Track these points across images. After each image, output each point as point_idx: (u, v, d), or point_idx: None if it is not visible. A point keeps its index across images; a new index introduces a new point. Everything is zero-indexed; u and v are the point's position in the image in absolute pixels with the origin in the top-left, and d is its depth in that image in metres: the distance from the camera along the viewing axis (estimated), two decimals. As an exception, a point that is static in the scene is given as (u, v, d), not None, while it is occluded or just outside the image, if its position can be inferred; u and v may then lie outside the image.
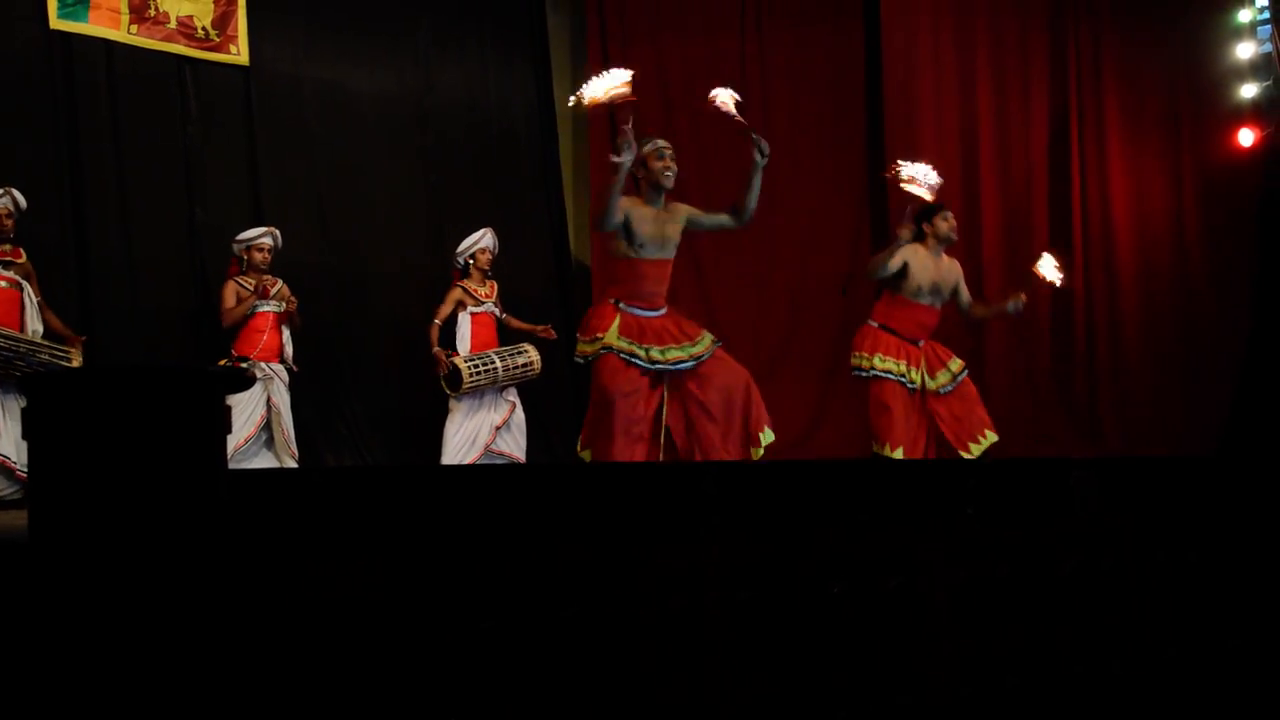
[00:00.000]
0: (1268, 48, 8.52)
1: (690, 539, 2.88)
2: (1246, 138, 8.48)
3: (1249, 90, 8.55)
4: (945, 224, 6.69)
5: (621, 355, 5.35)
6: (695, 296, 9.10)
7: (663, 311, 5.57)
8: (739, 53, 9.18)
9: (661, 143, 5.49)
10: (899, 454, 6.50)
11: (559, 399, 8.79)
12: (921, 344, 6.70)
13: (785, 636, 2.96)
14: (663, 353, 5.43)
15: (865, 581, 3.14)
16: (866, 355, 6.62)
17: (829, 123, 9.09)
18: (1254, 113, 8.51)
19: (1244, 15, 8.60)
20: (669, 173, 5.43)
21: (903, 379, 6.55)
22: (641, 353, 5.38)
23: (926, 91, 8.82)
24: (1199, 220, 8.71)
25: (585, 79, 9.13)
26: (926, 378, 6.63)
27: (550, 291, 9.02)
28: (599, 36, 9.16)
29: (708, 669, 2.82)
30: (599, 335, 5.38)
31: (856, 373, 6.71)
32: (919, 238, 6.69)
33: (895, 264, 6.55)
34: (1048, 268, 6.98)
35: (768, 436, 5.57)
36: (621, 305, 5.46)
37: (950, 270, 6.77)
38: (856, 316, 8.61)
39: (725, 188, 9.02)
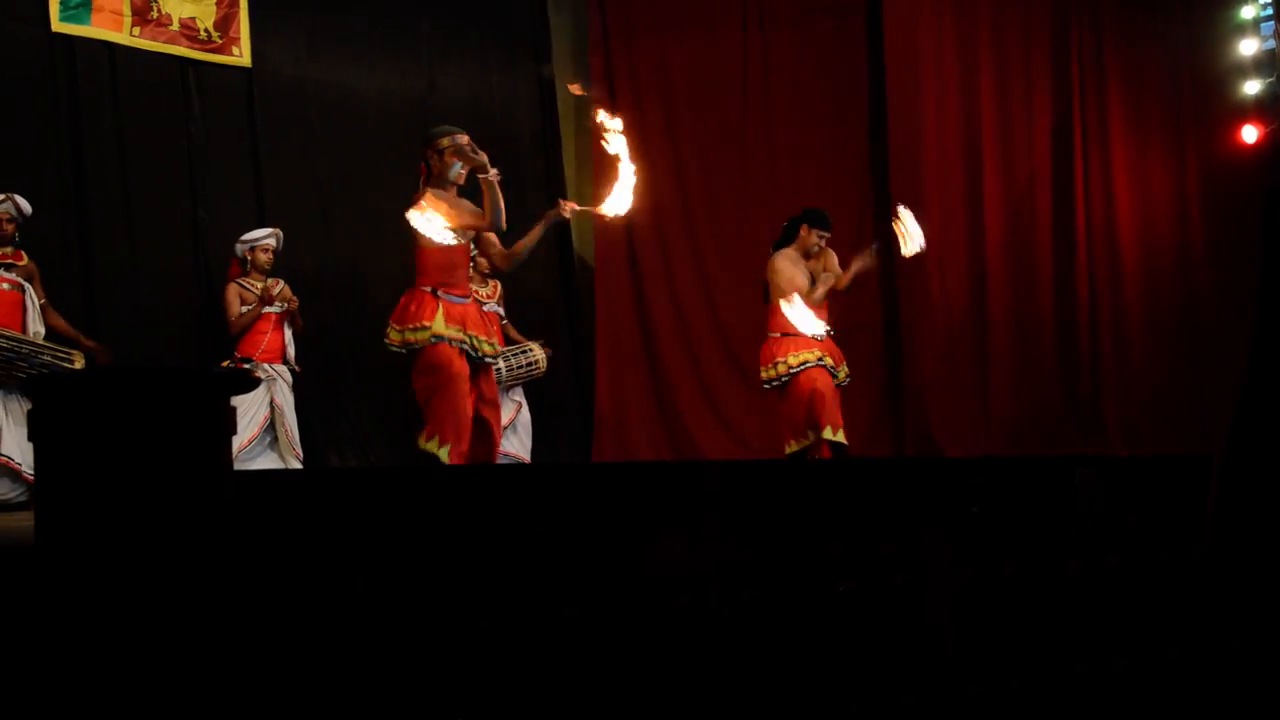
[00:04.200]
0: (1271, 44, 8.51)
1: (695, 538, 2.88)
2: (1250, 134, 8.47)
3: (1252, 87, 8.54)
4: (816, 239, 6.83)
5: (454, 343, 5.44)
6: (700, 297, 9.11)
7: (469, 299, 5.68)
8: (742, 53, 9.18)
9: (462, 139, 5.63)
10: (840, 435, 6.58)
11: (565, 399, 8.79)
12: (822, 338, 6.78)
13: (791, 635, 2.96)
14: (482, 344, 5.56)
15: (871, 580, 3.14)
16: (780, 360, 6.70)
17: (831, 121, 9.08)
18: (1257, 109, 8.50)
19: (1247, 12, 8.58)
20: (460, 169, 5.63)
21: (822, 363, 6.65)
22: (470, 341, 5.49)
23: (929, 90, 8.82)
24: (1202, 217, 8.70)
25: (588, 79, 9.24)
26: (831, 361, 6.75)
27: (553, 291, 9.02)
28: (601, 36, 9.17)
29: (713, 667, 2.82)
30: (425, 324, 5.45)
31: (771, 384, 6.78)
32: (790, 239, 6.85)
33: (799, 282, 6.71)
34: None
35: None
36: (440, 294, 5.52)
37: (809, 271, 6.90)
38: (859, 316, 8.62)
39: (730, 187, 9.07)
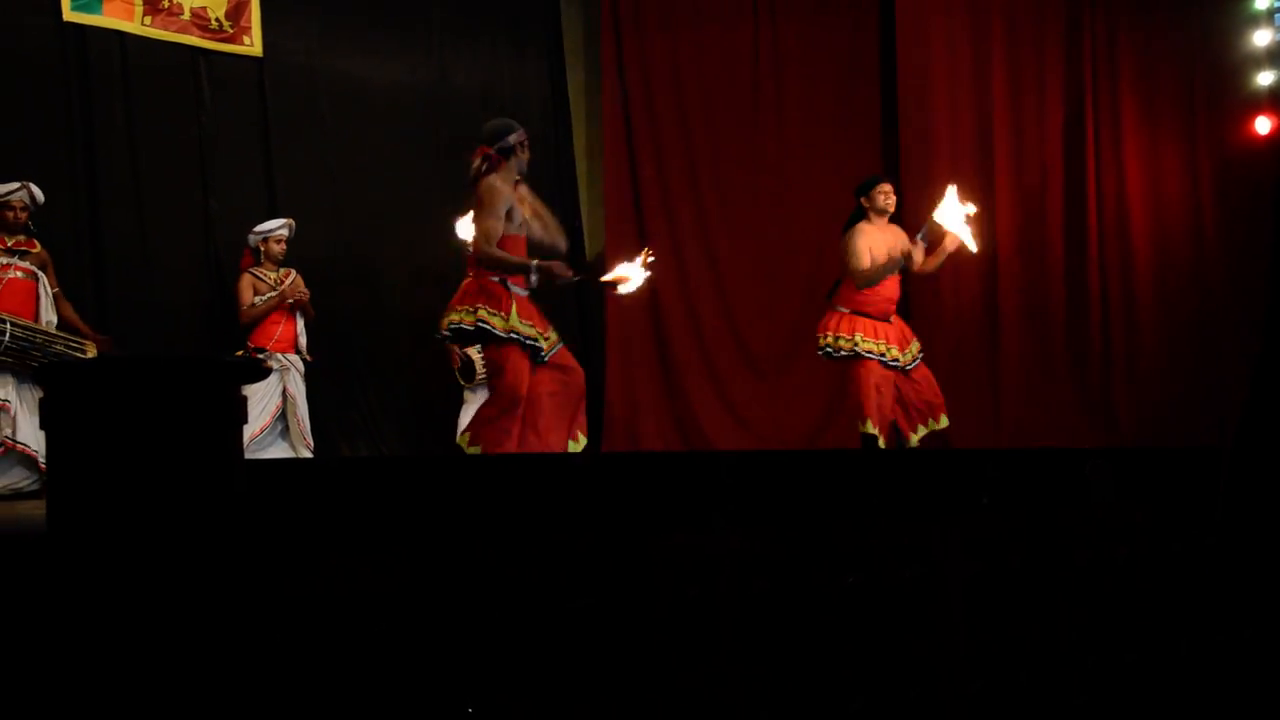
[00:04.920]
0: (1284, 35, 8.47)
1: (705, 529, 2.88)
2: (1263, 126, 8.43)
3: (1266, 78, 8.50)
4: (881, 197, 6.79)
5: (527, 343, 5.39)
6: (710, 288, 9.10)
7: (528, 291, 5.60)
8: (753, 44, 9.16)
9: (522, 131, 5.59)
10: (876, 431, 6.62)
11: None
12: (891, 320, 6.84)
13: (800, 627, 2.96)
14: (546, 339, 5.51)
15: (880, 572, 3.13)
16: (845, 335, 6.71)
17: (843, 115, 9.06)
18: (1271, 101, 8.46)
19: (1260, 2, 8.55)
20: (527, 160, 5.60)
21: (883, 358, 6.68)
22: (538, 339, 5.44)
23: (941, 83, 8.79)
24: (1215, 209, 8.67)
25: (598, 71, 9.23)
26: (899, 353, 6.77)
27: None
28: (612, 28, 9.15)
29: (722, 659, 2.82)
30: (503, 314, 5.39)
31: (828, 353, 6.79)
32: (861, 215, 6.80)
33: (867, 260, 6.67)
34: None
35: (579, 443, 5.61)
36: (509, 285, 5.47)
37: (897, 237, 6.85)
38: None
39: (740, 180, 9.05)
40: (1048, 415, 8.55)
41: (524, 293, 5.51)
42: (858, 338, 6.68)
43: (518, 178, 5.56)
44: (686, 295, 9.11)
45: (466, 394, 7.67)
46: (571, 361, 5.65)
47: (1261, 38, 8.51)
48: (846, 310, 6.78)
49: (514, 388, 5.38)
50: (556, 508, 2.71)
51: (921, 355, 6.95)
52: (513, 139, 5.52)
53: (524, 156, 5.56)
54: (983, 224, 8.73)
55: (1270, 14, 8.52)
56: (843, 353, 6.72)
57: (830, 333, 6.77)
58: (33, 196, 6.45)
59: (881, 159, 9.04)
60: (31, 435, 6.07)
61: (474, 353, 7.52)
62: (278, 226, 7.22)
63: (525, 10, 9.17)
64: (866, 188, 6.86)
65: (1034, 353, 8.74)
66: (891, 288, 6.82)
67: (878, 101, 9.05)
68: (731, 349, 9.07)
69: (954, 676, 3.29)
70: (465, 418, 7.61)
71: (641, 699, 2.69)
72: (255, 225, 7.27)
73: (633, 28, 9.14)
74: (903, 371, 6.79)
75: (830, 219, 8.98)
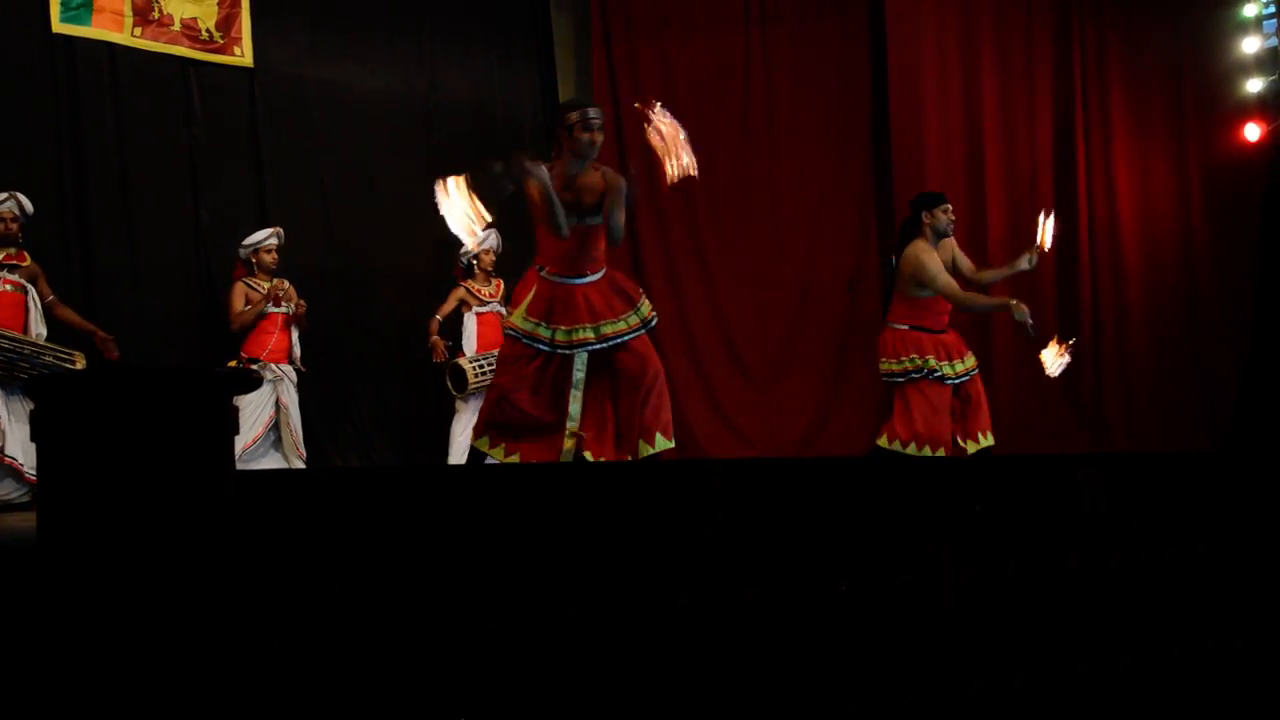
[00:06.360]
0: (1273, 42, 8.52)
1: (697, 537, 2.87)
2: (1252, 132, 8.47)
3: (1254, 85, 8.54)
4: (945, 216, 6.53)
5: (524, 340, 5.13)
6: (702, 295, 9.12)
7: (591, 279, 5.27)
8: (744, 51, 9.18)
9: (592, 112, 5.28)
10: (884, 443, 6.40)
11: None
12: (947, 331, 6.59)
13: (793, 634, 2.96)
14: (569, 333, 5.14)
15: (873, 579, 3.13)
16: (917, 357, 6.41)
17: (834, 120, 9.09)
18: (1260, 107, 8.51)
19: (1249, 10, 8.59)
20: (594, 145, 5.24)
21: (935, 375, 6.41)
22: (546, 334, 5.13)
23: (931, 88, 8.82)
24: (1204, 216, 8.71)
25: (589, 78, 9.25)
26: (953, 365, 6.51)
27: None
28: (602, 35, 9.17)
29: (716, 667, 2.81)
30: (513, 310, 5.25)
31: (894, 379, 6.47)
32: (916, 230, 6.54)
33: (948, 276, 6.42)
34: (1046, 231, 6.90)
35: (661, 443, 5.30)
36: (544, 272, 5.23)
37: (945, 250, 6.65)
38: (862, 314, 8.64)
39: (732, 186, 9.07)
40: (1039, 422, 8.57)
41: (568, 280, 5.18)
42: (930, 360, 6.38)
43: (581, 161, 5.21)
44: (678, 302, 9.11)
45: (459, 404, 7.66)
46: (631, 362, 5.25)
47: (1250, 45, 8.56)
48: (905, 327, 6.49)
49: (497, 378, 5.25)
50: (548, 517, 2.71)
51: (975, 370, 6.63)
52: (570, 118, 5.25)
53: (584, 138, 5.18)
54: (972, 231, 8.81)
55: (1259, 21, 8.56)
56: (912, 375, 6.39)
57: (892, 357, 6.45)
58: (21, 206, 6.44)
59: (872, 166, 9.07)
60: (19, 448, 6.05)
61: (464, 362, 7.52)
62: (265, 237, 7.22)
63: (516, 18, 9.17)
64: (930, 203, 6.54)
65: (1025, 358, 8.76)
66: (943, 303, 6.53)
67: (868, 109, 9.08)
68: (723, 356, 9.07)
69: (948, 682, 3.29)
70: (458, 428, 7.61)
71: (635, 708, 2.69)
72: (246, 235, 7.26)
73: (623, 35, 9.15)
74: (957, 387, 6.52)
75: (821, 226, 9.04)
